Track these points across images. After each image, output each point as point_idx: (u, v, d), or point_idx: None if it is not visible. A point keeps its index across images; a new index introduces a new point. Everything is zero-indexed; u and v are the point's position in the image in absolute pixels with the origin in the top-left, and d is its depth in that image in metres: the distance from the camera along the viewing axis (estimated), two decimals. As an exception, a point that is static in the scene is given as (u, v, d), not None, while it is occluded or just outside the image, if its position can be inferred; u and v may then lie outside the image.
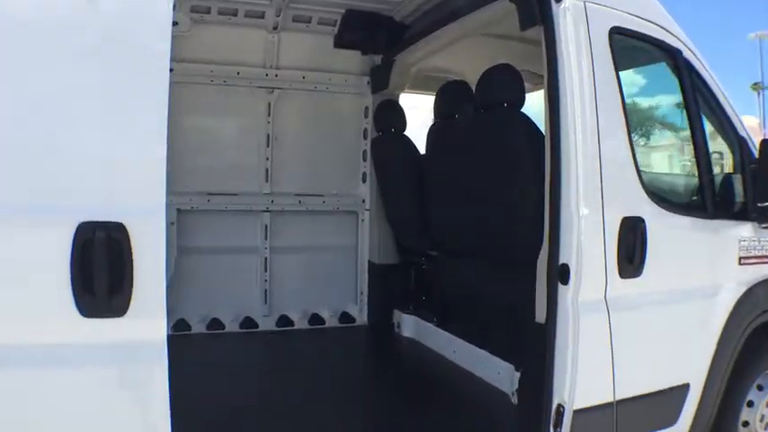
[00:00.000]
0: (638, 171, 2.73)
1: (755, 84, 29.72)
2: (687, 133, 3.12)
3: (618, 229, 2.59)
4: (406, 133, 4.44)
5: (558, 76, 2.53)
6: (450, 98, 3.72)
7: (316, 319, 4.68)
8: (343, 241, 4.83)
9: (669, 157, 4.48)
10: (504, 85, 3.20)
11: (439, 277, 4.22)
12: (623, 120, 2.67)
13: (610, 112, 2.61)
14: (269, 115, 4.50)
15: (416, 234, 4.30)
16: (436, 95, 3.86)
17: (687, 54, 3.08)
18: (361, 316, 4.82)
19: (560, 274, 2.50)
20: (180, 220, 4.25)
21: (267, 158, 4.53)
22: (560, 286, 2.50)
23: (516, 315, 2.84)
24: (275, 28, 4.29)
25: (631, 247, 2.62)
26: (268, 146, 4.52)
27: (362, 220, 4.84)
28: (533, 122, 3.05)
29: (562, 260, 2.51)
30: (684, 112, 3.12)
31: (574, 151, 2.49)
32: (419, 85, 5.01)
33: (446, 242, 3.97)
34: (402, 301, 4.66)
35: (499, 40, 4.16)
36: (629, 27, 2.79)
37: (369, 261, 4.84)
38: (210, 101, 4.33)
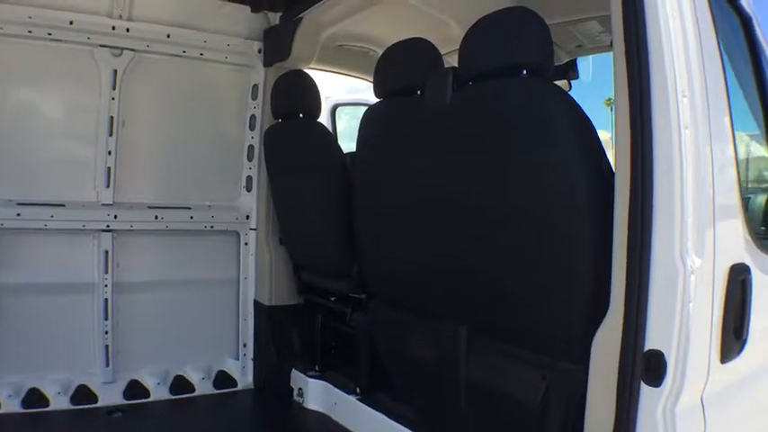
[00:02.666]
0: (741, 190, 1.83)
1: (608, 99, 31.80)
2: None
3: (725, 286, 1.68)
4: (320, 120, 3.29)
5: (650, 36, 1.56)
6: (406, 63, 2.42)
7: (181, 384, 3.49)
8: (218, 273, 3.68)
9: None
10: (523, 39, 1.96)
11: (368, 330, 2.93)
12: (727, 110, 1.79)
13: (716, 99, 1.71)
14: (114, 88, 3.24)
15: (334, 268, 3.09)
16: (380, 62, 2.58)
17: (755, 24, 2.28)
18: (244, 377, 3.68)
19: (647, 368, 1.57)
20: None
21: (109, 152, 3.27)
22: (645, 388, 1.58)
23: (520, 412, 1.99)
24: None
25: (739, 313, 1.71)
26: (111, 134, 3.26)
27: (246, 244, 3.70)
28: (576, 102, 1.84)
29: (651, 345, 1.57)
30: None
31: (678, 162, 1.54)
32: (329, 59, 3.89)
33: (392, 286, 2.69)
34: (304, 360, 3.52)
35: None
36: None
37: (255, 301, 3.69)
38: (25, 63, 3.13)
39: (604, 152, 1.84)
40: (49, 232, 3.20)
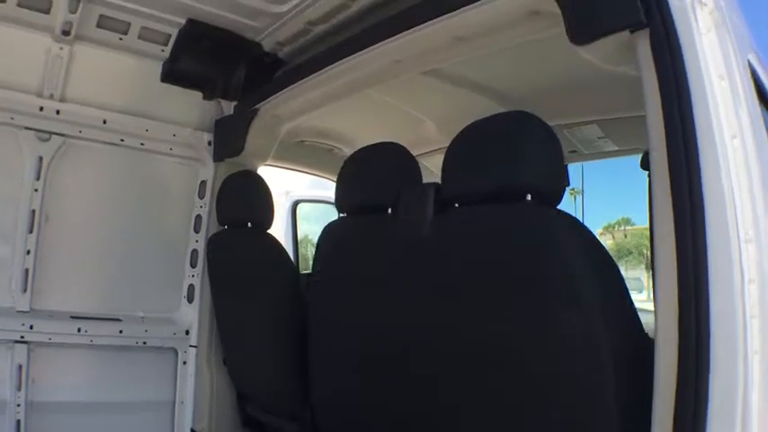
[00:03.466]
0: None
1: (572, 189, 32.48)
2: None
3: None
4: (271, 231, 2.87)
5: (696, 117, 1.26)
6: (375, 174, 2.04)
7: None
8: (150, 396, 3.14)
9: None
10: (531, 156, 1.57)
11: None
12: None
13: None
14: (38, 178, 2.83)
15: (283, 406, 2.63)
16: (343, 170, 2.19)
17: None
18: None
19: None
20: None
21: (28, 252, 2.83)
22: None
23: None
24: (66, 33, 2.70)
25: None
26: (31, 231, 2.83)
27: (185, 363, 3.17)
28: (596, 238, 1.47)
29: None
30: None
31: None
32: (288, 155, 3.53)
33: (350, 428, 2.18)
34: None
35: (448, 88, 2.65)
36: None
37: (192, 430, 3.15)
38: None
39: (632, 304, 1.47)
40: None
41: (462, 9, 1.81)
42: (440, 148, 3.14)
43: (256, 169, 3.16)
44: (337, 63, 2.38)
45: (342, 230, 2.19)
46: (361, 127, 3.22)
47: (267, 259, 2.70)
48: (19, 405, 2.83)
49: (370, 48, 2.18)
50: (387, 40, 2.11)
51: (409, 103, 3.08)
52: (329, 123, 3.38)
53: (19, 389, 2.83)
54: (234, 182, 2.92)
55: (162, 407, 3.19)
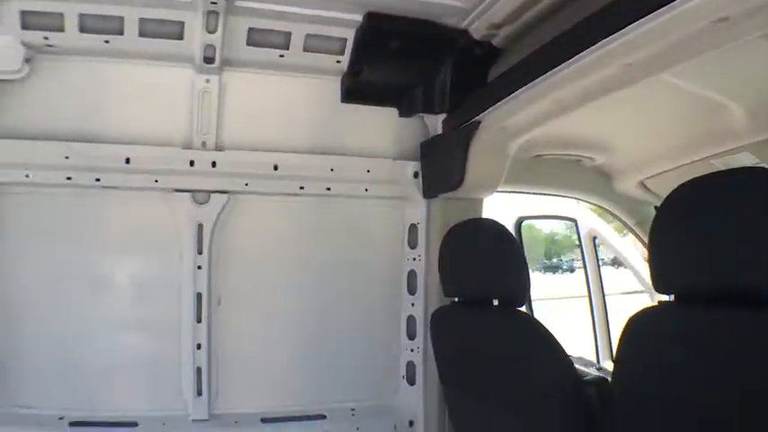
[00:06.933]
0: None
1: None
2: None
3: None
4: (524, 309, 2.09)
5: None
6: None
7: None
8: None
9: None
10: None
11: None
12: None
13: None
14: (200, 252, 2.39)
15: None
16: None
17: None
18: None
19: None
20: None
21: (198, 346, 2.41)
22: None
23: None
24: (209, 60, 2.24)
25: None
26: (200, 320, 2.40)
27: None
28: None
29: None
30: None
31: None
32: (518, 176, 2.72)
33: None
34: None
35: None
36: None
37: None
38: (60, 223, 2.36)
39: None
40: None
41: None
42: (745, 145, 2.36)
43: (482, 204, 2.54)
44: (586, 51, 1.63)
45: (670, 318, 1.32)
46: (622, 124, 2.33)
47: (529, 351, 1.84)
48: None
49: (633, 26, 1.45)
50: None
51: (706, 83, 2.07)
52: (578, 129, 2.57)
53: None
54: (464, 236, 2.17)
55: None
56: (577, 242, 4.05)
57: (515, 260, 1.94)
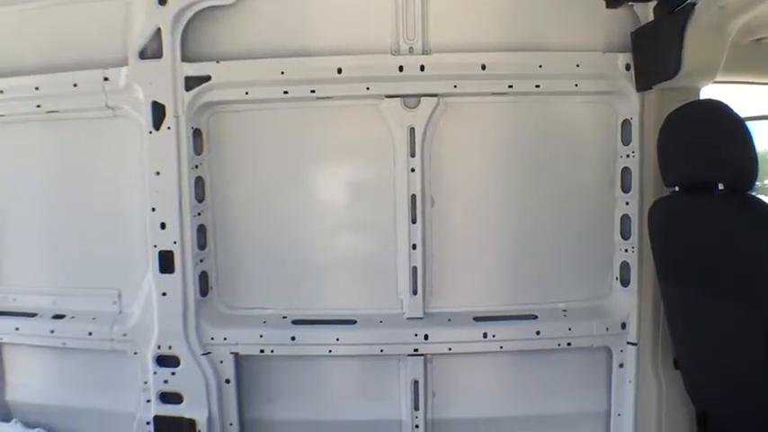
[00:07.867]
0: None
1: None
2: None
3: None
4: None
5: None
6: None
7: None
8: (578, 407, 2.71)
9: None
10: None
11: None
12: None
13: None
14: (413, 155, 2.51)
15: None
16: None
17: None
18: None
19: None
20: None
21: (414, 246, 2.55)
22: None
23: None
24: None
25: None
26: (415, 220, 2.53)
27: (621, 366, 2.64)
28: None
29: None
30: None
31: None
32: (739, 63, 2.58)
33: None
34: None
35: None
36: None
37: None
38: (282, 130, 2.60)
39: None
40: (335, 359, 2.62)
41: None
42: None
43: (699, 93, 2.41)
44: None
45: None
46: None
47: (760, 237, 1.75)
48: (417, 426, 2.67)
49: None
50: None
51: None
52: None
53: (416, 408, 2.66)
54: (684, 119, 2.04)
55: (592, 420, 2.72)
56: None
57: (742, 139, 1.84)
